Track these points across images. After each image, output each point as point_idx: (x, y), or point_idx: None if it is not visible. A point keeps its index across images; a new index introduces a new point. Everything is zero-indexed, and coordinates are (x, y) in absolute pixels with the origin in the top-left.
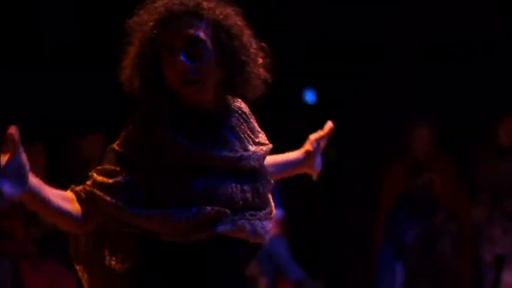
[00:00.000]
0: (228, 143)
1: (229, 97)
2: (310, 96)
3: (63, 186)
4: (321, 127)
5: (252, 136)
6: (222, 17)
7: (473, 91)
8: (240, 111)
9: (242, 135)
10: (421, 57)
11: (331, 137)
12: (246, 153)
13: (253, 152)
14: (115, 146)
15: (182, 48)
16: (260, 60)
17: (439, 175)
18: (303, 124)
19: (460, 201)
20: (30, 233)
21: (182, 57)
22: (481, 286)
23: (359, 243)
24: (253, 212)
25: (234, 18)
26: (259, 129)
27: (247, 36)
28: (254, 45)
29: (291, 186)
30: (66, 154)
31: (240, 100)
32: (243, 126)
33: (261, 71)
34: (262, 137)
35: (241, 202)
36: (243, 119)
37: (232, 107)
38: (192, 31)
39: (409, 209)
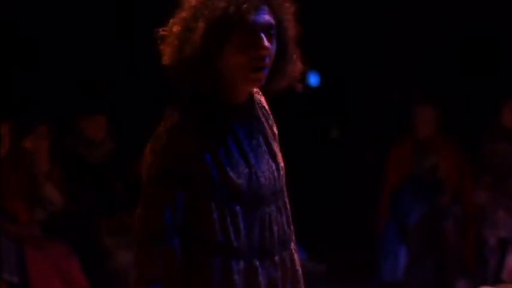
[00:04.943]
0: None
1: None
2: (313, 79)
3: (66, 168)
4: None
5: (272, 133)
6: (280, 7)
7: (478, 73)
8: (260, 105)
9: (268, 131)
10: (423, 37)
11: (334, 117)
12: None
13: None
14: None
15: (262, 33)
16: (298, 55)
17: (443, 157)
18: (307, 107)
19: (465, 184)
20: (35, 215)
21: (266, 42)
22: (485, 270)
23: (362, 225)
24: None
25: (289, 10)
26: (275, 131)
27: (294, 29)
28: (295, 40)
29: (294, 168)
30: (70, 135)
31: (259, 91)
32: (269, 121)
33: (299, 64)
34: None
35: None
36: (263, 113)
37: (255, 98)
38: (269, 17)
39: (414, 191)
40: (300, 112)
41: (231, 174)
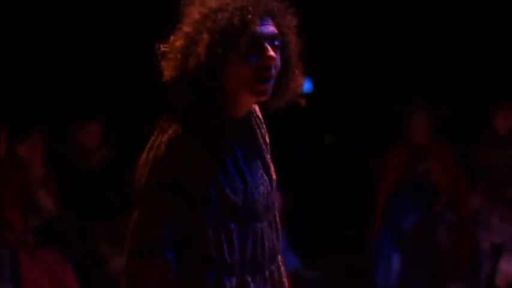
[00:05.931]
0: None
1: None
2: (306, 85)
3: (61, 175)
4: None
5: (265, 144)
6: (283, 20)
7: (475, 78)
8: (255, 114)
9: (262, 144)
10: (421, 42)
11: (328, 124)
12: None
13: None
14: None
15: (267, 43)
16: (300, 70)
17: (437, 163)
18: (299, 114)
19: (459, 190)
20: (29, 223)
21: (271, 51)
22: (478, 275)
23: (357, 230)
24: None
25: (292, 24)
26: (267, 140)
27: (296, 44)
28: (297, 54)
29: (289, 176)
30: (64, 143)
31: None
32: (262, 131)
33: (301, 80)
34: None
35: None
36: (256, 123)
37: (251, 109)
38: (273, 28)
39: (408, 196)
40: (298, 117)
41: (228, 191)
